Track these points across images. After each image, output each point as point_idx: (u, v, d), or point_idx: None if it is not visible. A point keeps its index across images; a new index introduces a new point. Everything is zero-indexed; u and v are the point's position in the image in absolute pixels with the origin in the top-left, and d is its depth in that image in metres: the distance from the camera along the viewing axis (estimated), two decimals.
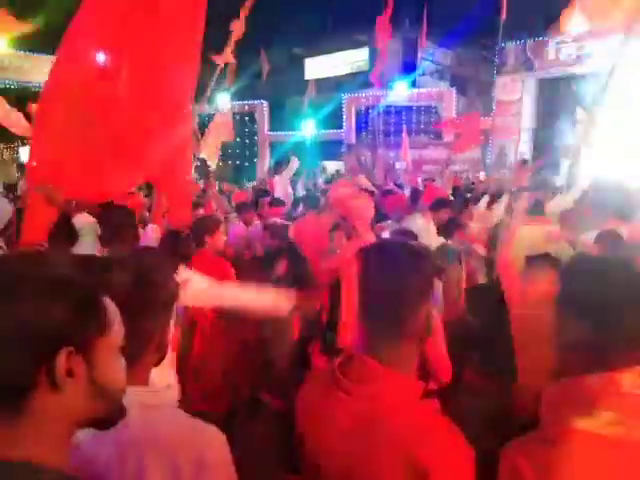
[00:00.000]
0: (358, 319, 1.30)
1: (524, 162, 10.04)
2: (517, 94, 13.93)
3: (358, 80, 18.45)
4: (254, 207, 6.21)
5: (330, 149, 18.22)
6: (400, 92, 16.69)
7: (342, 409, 1.21)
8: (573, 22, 12.83)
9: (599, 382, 1.10)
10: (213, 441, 1.15)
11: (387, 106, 17.21)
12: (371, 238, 3.98)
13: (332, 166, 17.72)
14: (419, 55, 15.74)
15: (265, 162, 19.36)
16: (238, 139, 19.25)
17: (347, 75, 20.50)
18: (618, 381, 1.09)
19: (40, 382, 0.79)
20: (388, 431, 1.14)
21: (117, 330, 0.91)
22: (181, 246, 4.01)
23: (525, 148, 13.41)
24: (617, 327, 1.13)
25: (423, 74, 17.16)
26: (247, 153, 21.19)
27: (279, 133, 20.05)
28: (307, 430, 1.32)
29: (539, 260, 3.29)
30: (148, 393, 1.19)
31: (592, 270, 1.24)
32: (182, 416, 1.19)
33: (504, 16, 12.92)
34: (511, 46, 14.43)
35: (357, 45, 20.12)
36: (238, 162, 21.32)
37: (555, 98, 13.73)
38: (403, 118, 17.69)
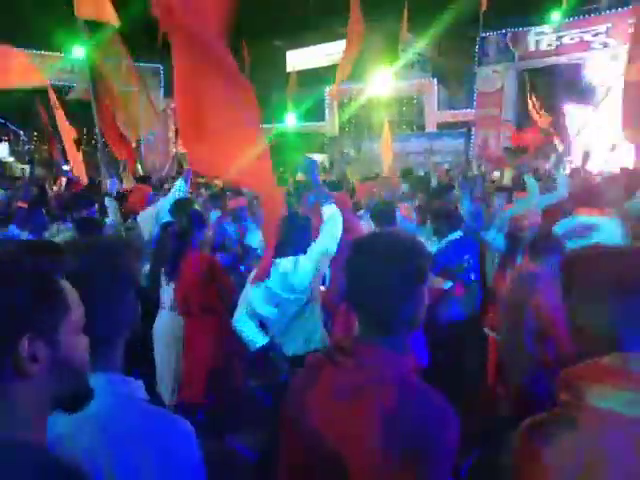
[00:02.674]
0: (351, 308, 1.36)
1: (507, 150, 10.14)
2: (498, 85, 13.98)
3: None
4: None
5: (312, 141, 18.17)
6: (382, 84, 16.67)
7: (337, 385, 1.27)
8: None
9: (616, 362, 1.09)
10: (180, 432, 1.15)
11: (370, 98, 17.18)
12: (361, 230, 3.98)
13: (315, 158, 17.64)
14: (400, 46, 15.70)
15: None
16: None
17: (329, 67, 20.41)
18: (635, 360, 1.08)
19: (6, 369, 0.81)
20: (382, 403, 1.20)
21: (77, 311, 0.92)
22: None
23: (507, 139, 13.48)
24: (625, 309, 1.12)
25: (405, 65, 17.12)
26: None
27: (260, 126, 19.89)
28: (298, 412, 1.35)
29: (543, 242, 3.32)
30: (118, 381, 1.19)
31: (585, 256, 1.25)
32: (150, 406, 1.19)
33: (484, 7, 13.01)
34: (492, 37, 14.47)
35: (339, 37, 20.02)
36: None
37: (536, 89, 13.81)
38: (384, 110, 17.68)
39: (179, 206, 4.53)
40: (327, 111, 18.57)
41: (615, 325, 1.12)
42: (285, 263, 2.96)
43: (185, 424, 1.17)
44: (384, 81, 16.54)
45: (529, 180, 5.03)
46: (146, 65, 16.31)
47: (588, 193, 4.42)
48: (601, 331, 1.14)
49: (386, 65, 16.04)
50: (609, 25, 12.49)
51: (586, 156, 6.63)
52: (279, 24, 18.79)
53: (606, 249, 1.28)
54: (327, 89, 17.80)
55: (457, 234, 4.15)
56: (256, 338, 3.00)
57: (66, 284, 0.91)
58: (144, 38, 11.56)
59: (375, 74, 16.26)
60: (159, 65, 16.59)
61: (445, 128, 16.42)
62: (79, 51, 14.81)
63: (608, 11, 12.63)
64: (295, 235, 3.02)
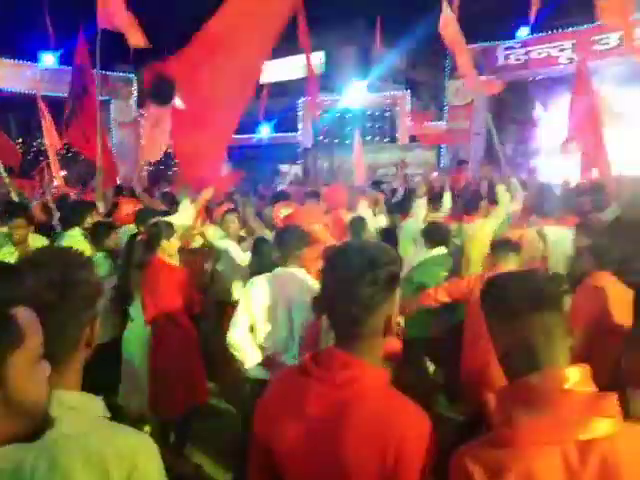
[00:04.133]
0: (325, 316, 1.35)
1: (461, 163, 10.37)
2: (468, 98, 14.22)
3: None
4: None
5: (285, 152, 18.18)
6: (355, 96, 16.82)
7: (313, 397, 1.26)
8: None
9: (543, 380, 1.12)
10: (144, 450, 1.12)
11: (343, 110, 17.30)
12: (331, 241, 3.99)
13: (289, 170, 17.66)
14: (373, 59, 15.89)
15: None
16: None
17: (303, 79, 20.51)
18: (562, 378, 1.11)
19: None
20: (360, 414, 1.20)
21: (34, 341, 0.85)
22: (135, 252, 3.90)
23: (479, 151, 13.70)
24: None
25: (377, 77, 17.32)
26: None
27: (235, 136, 19.83)
28: (271, 426, 1.33)
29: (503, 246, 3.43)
30: (78, 398, 1.14)
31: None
32: (110, 424, 1.15)
33: (455, 21, 13.24)
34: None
35: (312, 49, 20.15)
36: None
37: (505, 102, 14.10)
38: (357, 122, 17.86)
39: (145, 215, 4.47)
40: (301, 122, 18.63)
41: (532, 344, 1.17)
42: None
43: (150, 443, 1.14)
44: (357, 93, 16.70)
45: (500, 189, 5.12)
46: (118, 75, 16.14)
47: (543, 202, 4.55)
48: (521, 351, 1.18)
49: (359, 77, 16.20)
50: (574, 41, 12.90)
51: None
52: None
53: (514, 274, 1.39)
54: (301, 100, 17.87)
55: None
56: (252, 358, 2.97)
57: (20, 311, 0.85)
58: (117, 47, 11.42)
59: (349, 86, 16.41)
60: (132, 74, 16.41)
61: (416, 140, 16.63)
62: (49, 59, 14.66)
63: (573, 27, 13.05)
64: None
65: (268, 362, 2.96)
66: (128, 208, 5.84)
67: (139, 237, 4.12)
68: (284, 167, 18.06)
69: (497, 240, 3.70)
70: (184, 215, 4.25)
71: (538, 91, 13.89)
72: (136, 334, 3.74)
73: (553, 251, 4.18)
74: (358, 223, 4.68)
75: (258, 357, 2.99)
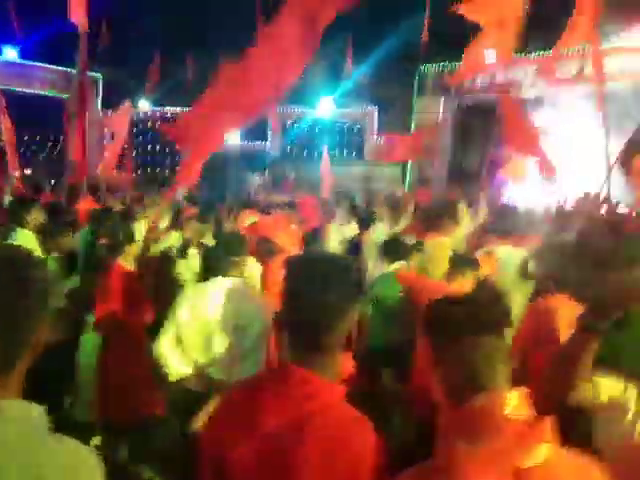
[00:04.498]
0: (280, 329, 1.30)
1: (424, 182, 10.62)
2: (435, 117, 14.51)
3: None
4: None
5: (255, 161, 18.14)
6: (324, 110, 16.94)
7: (268, 413, 1.23)
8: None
9: (482, 405, 1.11)
10: (87, 465, 1.07)
11: (312, 122, 17.40)
12: (295, 251, 3.98)
13: (255, 179, 17.59)
14: (343, 74, 16.07)
15: None
16: (158, 147, 18.81)
17: None
18: (501, 402, 1.10)
19: None
20: (315, 431, 1.18)
21: None
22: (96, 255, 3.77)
23: (443, 169, 13.98)
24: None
25: (347, 93, 17.50)
26: (168, 161, 20.67)
27: None
28: (223, 443, 1.28)
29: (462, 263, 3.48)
30: (18, 406, 1.06)
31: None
32: (55, 436, 1.08)
33: (425, 39, 13.58)
34: (431, 69, 15.06)
35: None
36: (159, 170, 20.74)
37: (471, 122, 14.44)
38: (326, 135, 17.99)
39: (101, 215, 4.37)
40: (269, 131, 18.64)
41: (472, 368, 1.16)
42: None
43: (91, 456, 1.08)
44: (327, 107, 16.83)
45: (462, 208, 5.21)
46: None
47: (502, 222, 4.66)
48: (462, 375, 1.17)
49: (330, 92, 16.35)
50: (536, 67, 13.41)
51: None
52: (225, 41, 18.77)
53: (456, 297, 1.40)
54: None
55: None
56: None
57: None
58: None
59: (318, 99, 16.52)
60: (97, 74, 16.10)
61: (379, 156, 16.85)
62: (11, 53, 14.25)
63: (535, 53, 13.59)
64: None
65: (196, 377, 2.78)
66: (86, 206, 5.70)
67: (102, 240, 3.99)
68: (252, 176, 17.99)
69: (456, 257, 3.76)
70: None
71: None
72: (92, 340, 3.62)
73: (503, 271, 4.25)
74: (315, 235, 4.68)
75: (184, 370, 2.79)
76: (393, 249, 4.31)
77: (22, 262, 1.13)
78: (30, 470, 0.98)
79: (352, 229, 6.46)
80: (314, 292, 1.26)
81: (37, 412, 1.08)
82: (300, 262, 1.38)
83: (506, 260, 4.25)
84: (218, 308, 2.74)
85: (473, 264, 3.53)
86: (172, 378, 2.78)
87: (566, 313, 2.61)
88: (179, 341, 2.80)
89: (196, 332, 2.77)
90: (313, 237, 4.50)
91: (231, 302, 2.75)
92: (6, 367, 1.02)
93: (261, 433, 1.22)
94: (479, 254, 4.26)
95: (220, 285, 2.83)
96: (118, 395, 3.43)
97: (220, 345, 2.73)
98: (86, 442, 1.13)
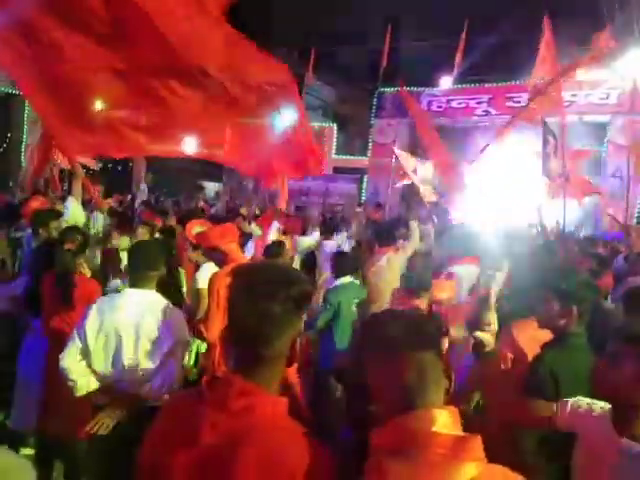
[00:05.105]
0: (225, 340, 1.28)
1: (378, 205, 10.92)
2: (391, 137, 14.82)
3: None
4: None
5: (210, 169, 17.90)
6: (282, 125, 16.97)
7: (207, 425, 1.21)
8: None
9: (413, 422, 1.11)
10: (18, 475, 1.02)
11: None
12: (243, 260, 3.96)
13: (211, 187, 17.41)
14: (304, 90, 16.20)
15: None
16: None
17: None
18: (431, 419, 1.10)
19: None
20: (254, 445, 1.15)
21: None
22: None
23: (396, 189, 14.24)
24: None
25: (307, 108, 17.65)
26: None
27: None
28: (161, 454, 1.25)
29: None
30: None
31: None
32: None
33: (385, 63, 13.91)
34: (389, 92, 15.41)
35: None
36: (110, 165, 19.95)
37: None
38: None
39: (45, 217, 4.25)
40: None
41: (406, 384, 1.15)
42: None
43: (25, 465, 1.05)
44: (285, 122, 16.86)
45: (413, 225, 5.33)
46: None
47: (464, 243, 4.79)
48: (395, 391, 1.16)
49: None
50: (490, 96, 13.96)
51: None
52: None
53: (393, 312, 1.40)
54: None
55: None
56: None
57: None
58: None
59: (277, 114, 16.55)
60: None
61: (340, 172, 17.03)
62: None
63: (490, 84, 14.16)
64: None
65: (104, 389, 2.67)
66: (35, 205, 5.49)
67: (66, 245, 3.80)
68: (207, 183, 17.76)
69: (409, 277, 3.73)
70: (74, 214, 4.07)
71: (456, 136, 14.74)
72: (36, 347, 3.47)
73: (461, 287, 4.35)
74: (276, 246, 4.69)
75: (92, 383, 2.66)
76: (341, 264, 4.40)
77: None
78: None
79: (310, 240, 6.53)
80: (253, 301, 1.25)
81: None
82: (243, 271, 1.36)
83: (464, 277, 4.35)
84: (129, 318, 2.66)
85: (426, 285, 3.48)
86: (79, 392, 2.64)
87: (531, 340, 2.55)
88: (85, 354, 2.67)
89: (104, 344, 2.66)
90: (275, 249, 4.49)
91: (142, 315, 2.66)
92: None
93: (199, 446, 1.20)
94: (441, 277, 4.33)
95: (131, 297, 2.74)
96: (60, 404, 3.20)
97: (130, 359, 2.64)
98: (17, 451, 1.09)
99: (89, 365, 2.67)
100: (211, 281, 3.72)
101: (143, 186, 9.69)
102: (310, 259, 6.46)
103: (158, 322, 2.67)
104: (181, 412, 1.29)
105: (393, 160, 10.94)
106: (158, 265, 2.81)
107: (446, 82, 14.87)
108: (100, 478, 2.79)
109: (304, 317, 1.35)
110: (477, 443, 1.09)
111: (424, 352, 1.17)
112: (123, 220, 5.45)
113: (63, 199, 5.84)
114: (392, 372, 1.16)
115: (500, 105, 13.64)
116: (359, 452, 1.19)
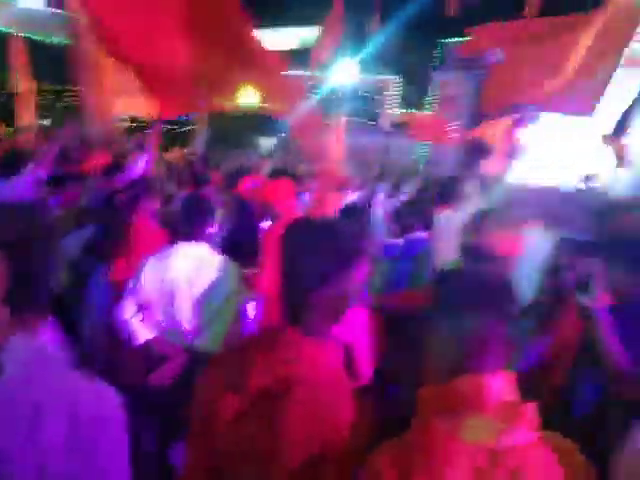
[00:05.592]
0: (277, 291, 1.34)
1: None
2: (453, 91, 14.21)
3: (306, 57, 18.14)
4: None
5: (267, 125, 17.90)
6: (344, 75, 16.59)
7: (257, 372, 1.24)
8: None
9: (468, 387, 1.09)
10: (106, 396, 1.12)
11: (331, 89, 17.05)
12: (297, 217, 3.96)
13: (266, 143, 17.44)
14: (367, 39, 15.70)
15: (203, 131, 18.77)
16: None
17: (295, 51, 20.08)
18: (487, 386, 1.09)
19: None
20: (302, 393, 1.20)
21: None
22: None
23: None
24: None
25: (369, 59, 17.13)
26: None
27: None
28: (213, 399, 1.30)
29: None
30: (34, 345, 1.10)
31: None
32: (75, 372, 1.13)
33: (451, 13, 13.21)
34: (452, 43, 14.69)
35: (307, 21, 19.74)
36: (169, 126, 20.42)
37: None
38: (343, 102, 17.67)
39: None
40: None
41: (465, 346, 1.12)
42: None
43: (111, 391, 1.13)
44: (348, 73, 16.47)
45: (473, 184, 5.14)
46: None
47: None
48: (454, 352, 1.14)
49: (350, 56, 15.98)
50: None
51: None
52: (247, 3, 18.38)
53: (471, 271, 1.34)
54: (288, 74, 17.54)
55: None
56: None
57: None
58: None
59: (340, 65, 16.15)
60: None
61: (397, 127, 16.61)
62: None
63: None
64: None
65: (160, 341, 2.77)
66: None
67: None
68: (264, 140, 17.78)
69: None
70: None
71: None
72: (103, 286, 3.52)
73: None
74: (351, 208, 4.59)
75: (148, 334, 2.77)
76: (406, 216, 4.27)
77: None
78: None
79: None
80: (304, 255, 1.27)
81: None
82: (293, 227, 1.38)
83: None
84: (182, 272, 2.72)
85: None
86: (136, 343, 2.76)
87: None
88: (141, 305, 2.78)
89: (159, 296, 2.74)
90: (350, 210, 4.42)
91: (195, 266, 2.73)
92: (22, 308, 1.08)
93: (248, 390, 1.24)
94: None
95: (184, 250, 2.80)
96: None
97: (185, 310, 2.72)
98: None
99: (145, 316, 2.78)
100: (265, 235, 3.80)
101: (201, 141, 9.79)
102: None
103: (212, 274, 2.73)
104: (234, 359, 1.34)
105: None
106: (209, 219, 2.88)
107: None
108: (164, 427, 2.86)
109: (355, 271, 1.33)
110: (532, 409, 1.08)
111: (487, 316, 1.13)
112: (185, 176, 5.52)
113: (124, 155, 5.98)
114: (456, 333, 1.13)
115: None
116: (404, 408, 1.17)
